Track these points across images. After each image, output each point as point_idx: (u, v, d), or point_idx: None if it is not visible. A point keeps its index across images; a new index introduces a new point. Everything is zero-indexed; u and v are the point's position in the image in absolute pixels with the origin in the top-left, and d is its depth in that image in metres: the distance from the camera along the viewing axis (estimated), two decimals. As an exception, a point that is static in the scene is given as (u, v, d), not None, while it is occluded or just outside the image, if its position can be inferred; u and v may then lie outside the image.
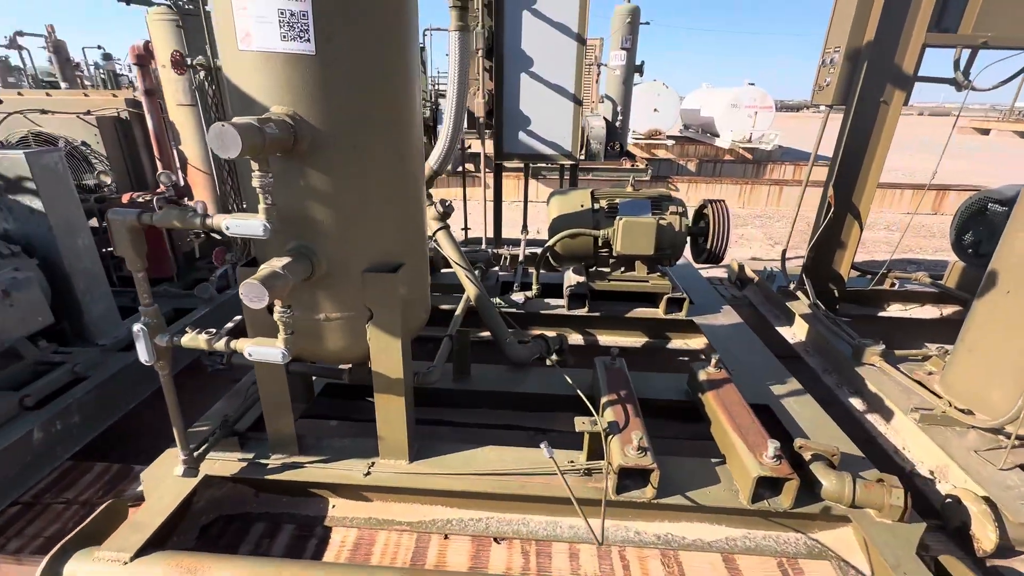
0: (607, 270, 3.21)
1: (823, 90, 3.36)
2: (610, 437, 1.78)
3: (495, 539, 1.82)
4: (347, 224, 1.53)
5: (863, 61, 3.05)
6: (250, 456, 1.88)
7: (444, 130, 2.54)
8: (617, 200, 3.09)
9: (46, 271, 2.55)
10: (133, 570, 1.46)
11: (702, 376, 2.22)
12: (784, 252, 3.78)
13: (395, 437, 1.83)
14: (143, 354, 1.48)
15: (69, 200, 2.64)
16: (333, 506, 1.91)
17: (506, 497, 1.81)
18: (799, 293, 3.52)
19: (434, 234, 2.65)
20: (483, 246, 4.41)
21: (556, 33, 3.86)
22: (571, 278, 3.23)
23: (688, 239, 3.14)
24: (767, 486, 1.72)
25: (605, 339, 3.29)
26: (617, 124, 10.90)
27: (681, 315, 3.14)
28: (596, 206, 3.07)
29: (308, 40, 1.31)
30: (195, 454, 1.72)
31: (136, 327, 1.45)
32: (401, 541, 1.81)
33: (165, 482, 1.73)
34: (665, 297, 3.12)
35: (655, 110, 15.21)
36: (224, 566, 1.47)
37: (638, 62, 10.59)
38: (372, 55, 1.41)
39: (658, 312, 3.17)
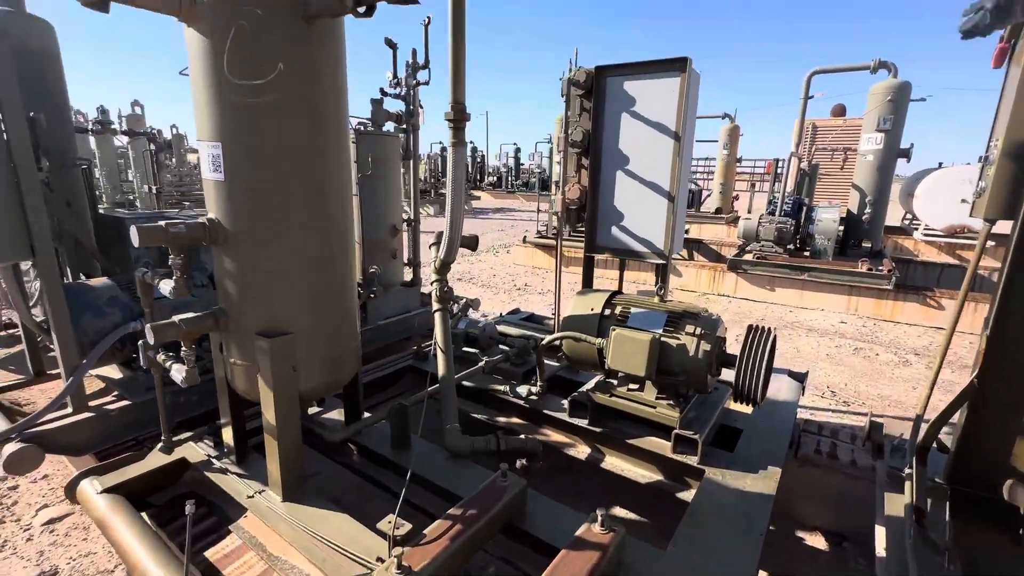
0: (615, 382, 2.87)
1: (980, 197, 2.32)
2: (395, 548, 1.72)
3: (307, 602, 1.95)
4: (246, 296, 2.05)
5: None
6: (214, 454, 2.53)
7: (445, 227, 2.89)
8: (632, 309, 2.79)
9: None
10: (99, 497, 2.23)
11: (581, 531, 1.85)
12: (919, 417, 2.57)
13: (273, 475, 2.20)
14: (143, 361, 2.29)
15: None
16: (246, 516, 2.37)
17: (322, 567, 1.93)
18: (908, 479, 2.34)
19: (434, 313, 2.97)
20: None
21: (653, 132, 3.77)
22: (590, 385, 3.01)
23: (714, 368, 2.56)
24: None
25: (612, 462, 2.91)
26: (864, 218, 8.90)
27: (693, 460, 2.54)
28: (606, 312, 2.84)
29: (220, 172, 1.93)
30: (173, 439, 2.46)
31: (140, 343, 2.28)
32: (253, 564, 2.12)
33: (157, 455, 2.52)
34: (674, 432, 2.59)
35: (963, 201, 11.63)
36: (123, 524, 2.09)
37: (905, 144, 8.55)
38: (266, 179, 1.94)
39: (666, 447, 2.64)
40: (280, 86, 1.85)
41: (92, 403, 3.01)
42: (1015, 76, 2.19)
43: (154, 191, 7.83)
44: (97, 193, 14.82)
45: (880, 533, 2.29)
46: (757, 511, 2.20)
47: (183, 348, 2.03)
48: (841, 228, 9.18)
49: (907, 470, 2.41)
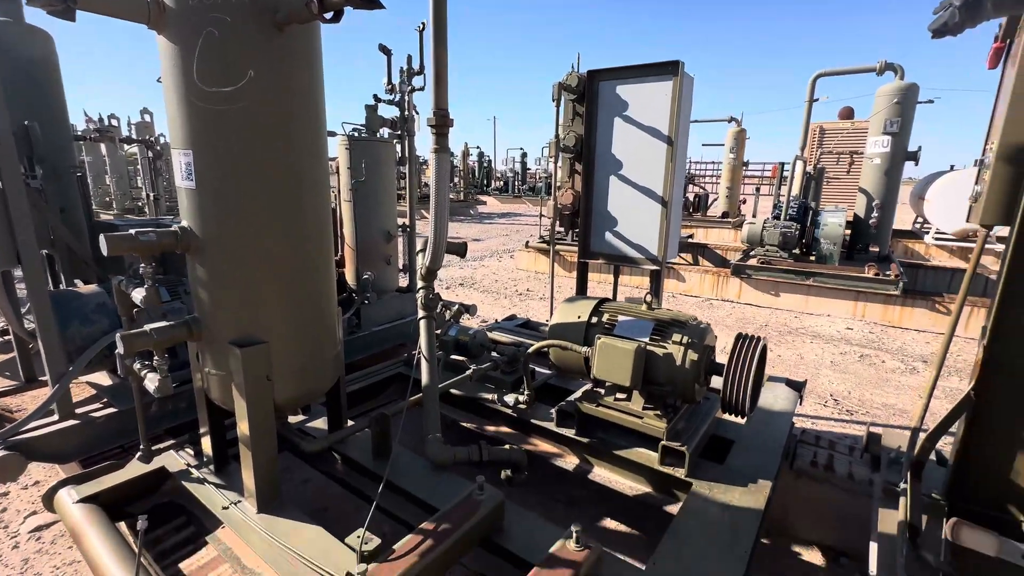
0: (602, 392, 2.81)
1: (976, 203, 2.24)
2: (361, 565, 1.68)
3: (277, 617, 1.91)
4: (219, 305, 2.03)
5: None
6: (194, 463, 2.51)
7: (429, 234, 2.86)
8: (619, 317, 2.73)
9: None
10: (74, 506, 2.21)
11: (555, 548, 1.79)
12: (916, 430, 2.48)
13: (248, 486, 2.16)
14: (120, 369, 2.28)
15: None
16: (223, 527, 2.35)
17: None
18: (903, 494, 2.25)
19: (418, 320, 2.93)
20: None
21: (646, 136, 3.72)
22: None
23: (702, 377, 2.50)
24: None
25: (600, 472, 2.86)
26: (871, 222, 8.74)
27: (680, 472, 2.47)
28: (593, 320, 2.79)
29: (191, 179, 1.91)
30: (154, 448, 2.44)
31: (116, 352, 2.26)
32: (226, 578, 2.09)
33: (136, 465, 2.50)
34: (660, 444, 2.52)
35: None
36: (95, 535, 2.07)
37: (913, 147, 8.40)
38: (237, 187, 1.92)
39: (653, 459, 2.57)
40: (250, 93, 1.83)
41: (80, 410, 3.01)
42: (1011, 77, 2.11)
43: (151, 197, 7.94)
44: (108, 199, 15.13)
45: (874, 550, 2.20)
46: (744, 527, 2.13)
47: (156, 358, 2.01)
48: (848, 232, 9.04)
49: (902, 484, 2.32)
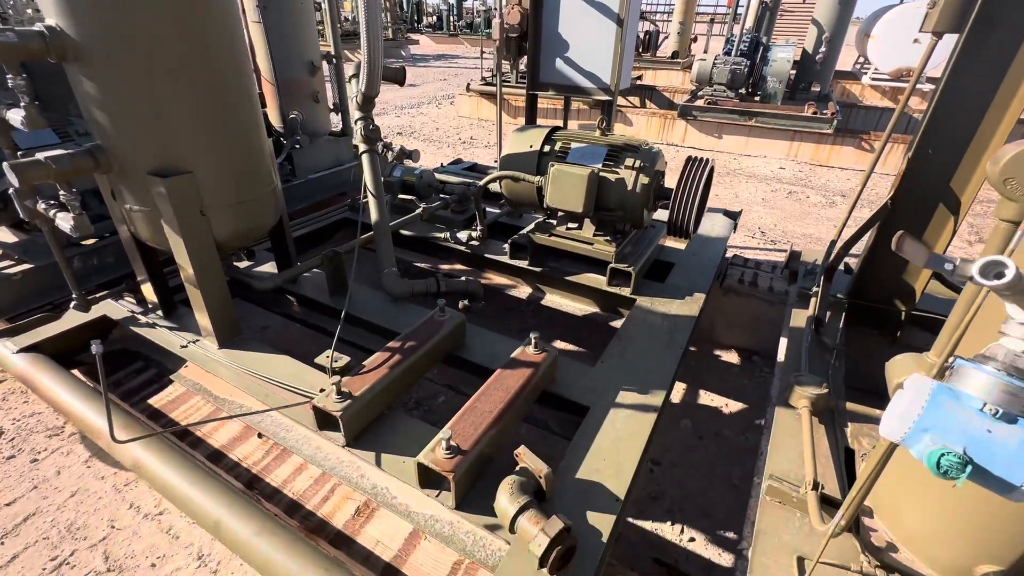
0: (554, 223, 2.86)
1: (933, 8, 2.20)
2: (335, 377, 1.77)
3: (259, 434, 2.04)
4: (124, 128, 1.76)
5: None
6: (138, 310, 2.41)
7: (363, 54, 2.51)
8: (572, 144, 2.66)
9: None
10: (16, 356, 2.12)
11: (516, 352, 1.95)
12: (833, 244, 2.76)
13: (204, 324, 2.13)
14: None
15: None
16: (186, 366, 2.36)
17: (264, 401, 1.98)
18: (814, 296, 2.59)
19: (360, 155, 2.72)
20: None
21: (602, -63, 3.25)
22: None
23: (651, 202, 2.57)
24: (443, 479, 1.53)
25: (552, 299, 3.03)
26: (818, 58, 8.62)
27: (626, 291, 2.67)
28: (546, 148, 2.70)
29: (45, -44, 1.49)
30: (87, 298, 2.30)
31: (11, 191, 1.97)
32: (200, 407, 2.16)
33: (74, 314, 2.37)
34: (609, 267, 2.67)
35: (915, 41, 11.40)
36: (48, 379, 2.02)
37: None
38: (111, -31, 1.52)
39: (602, 282, 2.74)
40: None
41: (-12, 268, 2.74)
42: None
43: None
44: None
45: (783, 343, 2.58)
46: (680, 329, 2.40)
47: (63, 194, 1.77)
48: (793, 71, 8.93)
49: (814, 288, 2.64)
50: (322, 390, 1.88)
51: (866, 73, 12.10)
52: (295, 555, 1.41)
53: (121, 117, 1.74)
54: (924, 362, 1.57)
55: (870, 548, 1.41)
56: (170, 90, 1.74)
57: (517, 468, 1.52)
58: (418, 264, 3.39)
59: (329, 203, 4.32)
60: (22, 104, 1.62)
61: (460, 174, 4.28)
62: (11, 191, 1.96)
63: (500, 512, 1.42)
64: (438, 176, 3.85)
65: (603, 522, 1.47)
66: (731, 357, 3.50)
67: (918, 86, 10.77)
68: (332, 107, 4.60)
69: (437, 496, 1.54)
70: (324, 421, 1.73)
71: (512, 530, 1.38)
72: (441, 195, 3.45)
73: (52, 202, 1.96)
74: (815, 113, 7.60)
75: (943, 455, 0.70)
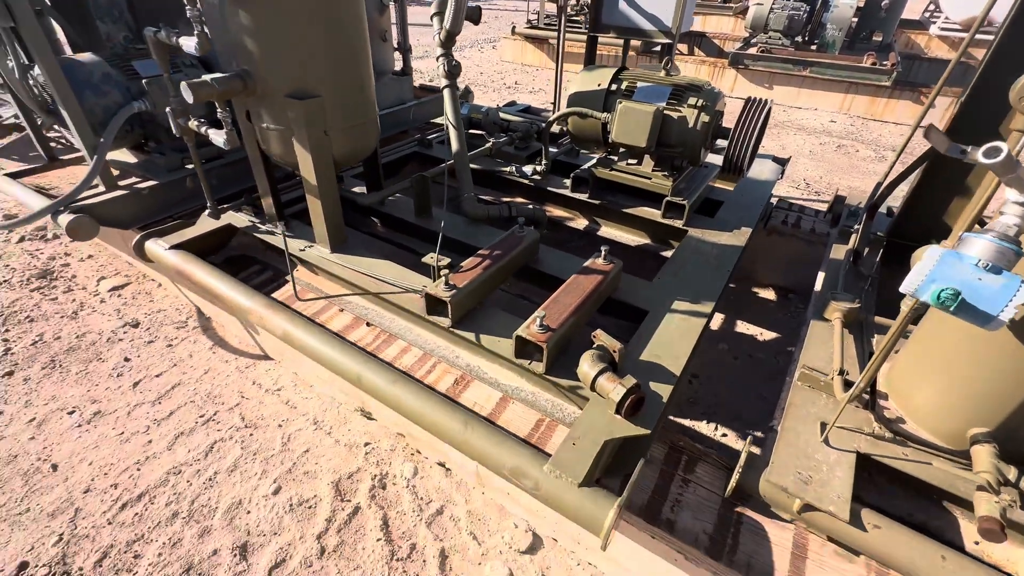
0: (616, 159, 3.11)
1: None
2: (442, 271, 2.14)
3: (367, 323, 2.46)
4: (271, 56, 2.08)
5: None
6: (256, 221, 2.82)
7: (450, -11, 2.72)
8: (638, 84, 2.87)
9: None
10: (168, 252, 2.58)
11: (587, 262, 2.29)
12: (879, 185, 2.93)
13: (320, 231, 2.53)
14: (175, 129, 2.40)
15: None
16: (297, 268, 2.78)
17: (370, 295, 2.39)
18: (855, 232, 2.81)
19: (441, 91, 3.00)
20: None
21: None
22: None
23: (709, 140, 2.79)
24: (536, 350, 1.90)
25: (606, 231, 3.32)
26: (884, 4, 8.22)
27: (679, 223, 2.94)
28: (612, 87, 2.92)
29: (219, -99, 1.77)
30: (218, 207, 2.71)
31: (167, 109, 2.35)
32: (316, 304, 2.59)
33: (207, 220, 2.80)
34: (664, 200, 2.93)
35: (994, -13, 10.58)
36: (201, 270, 2.46)
37: (953, -92, 7.44)
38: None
39: (657, 214, 3.01)
40: None
41: (122, 183, 3.18)
42: None
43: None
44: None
45: (821, 275, 2.84)
46: (727, 256, 2.68)
47: (220, 111, 2.12)
48: (855, 19, 8.54)
49: (855, 226, 2.86)
50: (424, 287, 2.27)
51: (935, 22, 11.38)
52: (423, 398, 1.83)
53: (270, 47, 2.06)
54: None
55: (882, 419, 1.74)
56: (308, 28, 2.04)
57: (594, 346, 1.88)
58: (482, 197, 3.71)
59: (392, 141, 4.62)
60: (195, 32, 1.95)
61: (517, 115, 4.50)
62: (168, 109, 2.34)
63: (582, 375, 1.79)
64: (501, 115, 4.08)
65: (663, 390, 1.84)
66: (768, 295, 3.77)
67: (978, 36, 10.12)
68: (396, 46, 4.81)
69: (529, 364, 1.93)
70: (433, 306, 2.12)
71: (592, 388, 1.75)
72: (506, 132, 3.70)
73: (201, 119, 2.33)
74: (874, 64, 7.37)
75: (942, 291, 0.99)
